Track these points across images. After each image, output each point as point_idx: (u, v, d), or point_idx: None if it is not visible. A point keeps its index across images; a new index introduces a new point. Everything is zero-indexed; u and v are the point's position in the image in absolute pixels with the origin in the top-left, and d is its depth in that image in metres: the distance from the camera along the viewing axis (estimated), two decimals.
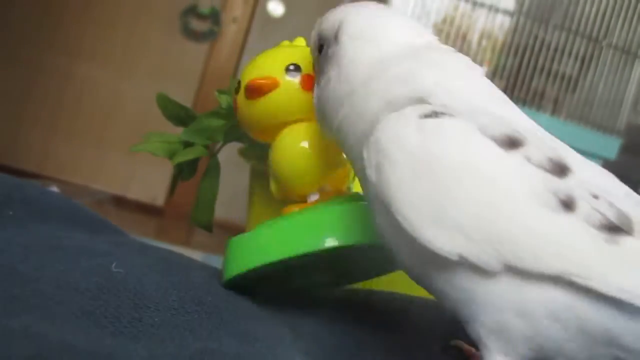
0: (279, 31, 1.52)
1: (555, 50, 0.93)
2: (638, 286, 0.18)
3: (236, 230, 0.49)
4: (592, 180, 0.20)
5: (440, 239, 0.19)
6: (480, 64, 0.96)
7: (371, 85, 0.23)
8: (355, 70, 0.24)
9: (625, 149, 0.96)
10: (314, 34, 0.27)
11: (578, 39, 0.93)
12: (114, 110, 1.61)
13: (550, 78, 0.94)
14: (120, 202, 1.59)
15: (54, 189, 1.43)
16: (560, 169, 0.20)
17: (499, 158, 0.20)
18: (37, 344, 0.18)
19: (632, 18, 0.93)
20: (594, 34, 0.93)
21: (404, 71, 0.23)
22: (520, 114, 0.24)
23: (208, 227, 0.34)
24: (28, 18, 1.60)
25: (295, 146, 0.28)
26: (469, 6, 0.94)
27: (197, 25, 1.63)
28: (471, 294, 0.19)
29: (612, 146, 0.94)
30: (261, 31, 1.63)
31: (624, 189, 0.22)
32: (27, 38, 1.60)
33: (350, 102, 0.23)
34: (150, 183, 1.59)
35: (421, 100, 0.22)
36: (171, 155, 0.28)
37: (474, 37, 0.96)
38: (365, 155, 0.21)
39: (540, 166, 0.20)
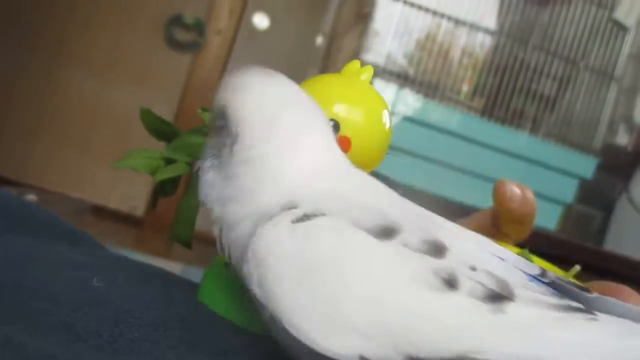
0: (264, 44, 1.53)
1: (534, 70, 0.94)
2: (530, 350, 0.18)
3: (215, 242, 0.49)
4: (467, 251, 0.20)
5: (337, 343, 0.18)
6: (462, 82, 0.98)
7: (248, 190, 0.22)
8: (236, 170, 0.22)
9: (601, 168, 0.98)
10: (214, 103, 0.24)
11: (556, 60, 0.95)
12: (96, 118, 1.61)
13: (529, 97, 0.95)
14: (99, 211, 1.57)
15: (32, 197, 1.41)
16: (436, 249, 0.20)
17: (376, 249, 0.19)
18: (18, 356, 0.18)
19: (607, 41, 0.96)
20: (572, 55, 0.95)
21: (272, 175, 0.22)
22: (390, 195, 0.23)
23: (188, 244, 0.34)
24: (11, 22, 1.59)
25: None
26: (451, 24, 0.96)
27: (182, 35, 1.63)
28: None
29: (588, 165, 0.96)
30: (246, 43, 1.64)
31: (496, 251, 0.21)
32: (10, 43, 1.58)
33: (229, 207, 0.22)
34: (130, 193, 1.58)
35: (292, 205, 0.21)
36: (153, 172, 0.28)
37: (456, 55, 0.97)
38: (245, 270, 0.20)
39: (418, 250, 0.19)
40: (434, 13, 0.94)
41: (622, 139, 1.06)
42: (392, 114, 0.32)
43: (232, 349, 0.24)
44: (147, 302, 0.25)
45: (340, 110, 0.28)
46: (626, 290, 0.34)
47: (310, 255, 0.19)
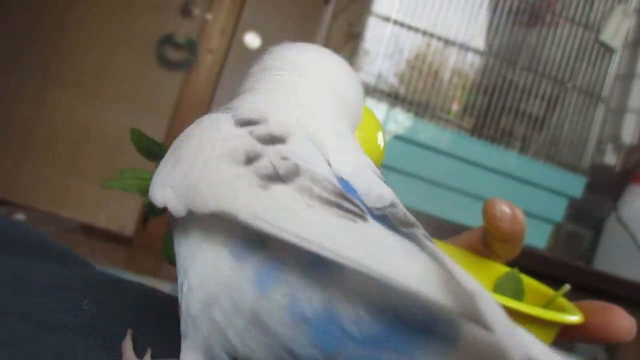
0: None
1: (523, 90, 0.95)
2: (270, 219, 0.18)
3: None
4: (306, 152, 0.22)
5: (159, 194, 0.21)
6: (452, 101, 0.99)
7: None
8: None
9: (590, 188, 0.99)
10: None
11: (544, 81, 0.96)
12: (86, 137, 1.60)
13: (518, 117, 0.96)
14: (89, 230, 1.56)
15: (20, 217, 1.40)
16: (273, 139, 0.22)
17: (221, 129, 0.22)
18: None
19: (595, 62, 0.97)
20: (559, 76, 0.97)
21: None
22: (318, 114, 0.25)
23: None
24: (2, 42, 1.59)
25: None
26: (441, 44, 0.97)
27: (173, 54, 1.64)
28: (177, 247, 0.21)
29: (577, 185, 0.97)
30: (237, 63, 1.65)
31: (356, 172, 0.22)
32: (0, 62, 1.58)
33: None
34: (120, 212, 1.57)
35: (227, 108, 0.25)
36: (143, 192, 0.28)
37: (446, 75, 0.98)
38: None
39: (259, 138, 0.21)
40: (424, 33, 0.95)
41: (610, 158, 1.07)
42: (383, 131, 0.32)
43: None
44: (137, 327, 0.25)
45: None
46: (616, 309, 0.35)
47: (184, 132, 0.23)
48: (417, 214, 0.93)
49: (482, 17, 0.97)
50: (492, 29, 0.96)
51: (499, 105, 0.95)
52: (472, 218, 0.48)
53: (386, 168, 0.87)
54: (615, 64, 0.98)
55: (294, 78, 0.26)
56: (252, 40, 1.65)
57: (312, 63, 0.27)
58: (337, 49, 1.10)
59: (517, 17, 0.96)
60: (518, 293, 0.39)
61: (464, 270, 0.17)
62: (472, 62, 0.98)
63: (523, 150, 0.97)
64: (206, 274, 0.19)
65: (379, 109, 0.93)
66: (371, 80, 0.97)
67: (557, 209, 0.96)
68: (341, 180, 0.22)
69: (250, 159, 0.20)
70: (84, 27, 1.62)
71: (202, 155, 0.21)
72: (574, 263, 1.03)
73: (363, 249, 0.17)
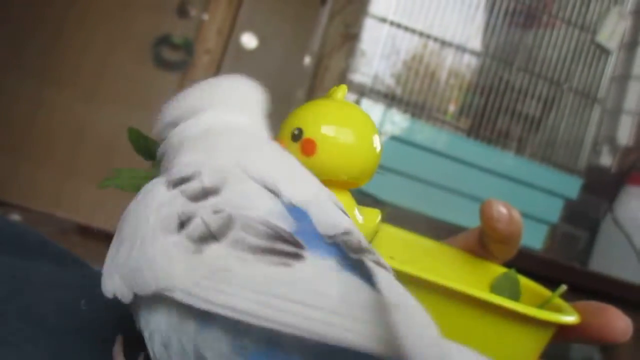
0: (252, 64, 1.54)
1: (519, 91, 0.96)
2: (205, 289, 0.18)
3: None
4: (247, 195, 0.21)
5: (108, 283, 0.20)
6: (448, 102, 0.99)
7: None
8: None
9: (586, 189, 0.99)
10: None
11: (540, 82, 0.96)
12: (82, 137, 1.60)
13: (515, 118, 0.96)
14: (85, 230, 1.56)
15: (16, 217, 1.39)
16: (205, 194, 0.20)
17: (155, 197, 0.21)
18: None
19: (590, 64, 0.97)
20: (556, 77, 0.97)
21: None
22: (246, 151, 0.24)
23: None
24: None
25: None
26: (437, 45, 0.97)
27: (170, 55, 1.64)
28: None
29: (573, 186, 0.97)
30: (234, 63, 1.65)
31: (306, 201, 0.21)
32: None
33: None
34: (117, 213, 1.57)
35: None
36: None
37: (443, 76, 0.99)
38: None
39: (189, 195, 0.20)
40: (421, 34, 0.95)
41: (606, 160, 1.07)
42: (379, 133, 0.32)
43: None
44: (133, 324, 0.25)
45: (306, 118, 0.30)
46: (612, 309, 0.35)
47: (127, 209, 0.22)
48: (414, 215, 0.93)
49: (479, 19, 0.97)
50: (489, 30, 0.97)
51: (496, 106, 0.95)
52: (469, 219, 0.48)
53: (383, 169, 0.87)
54: (611, 66, 0.98)
55: (221, 116, 0.25)
56: (248, 40, 1.65)
57: (230, 94, 0.27)
58: (333, 50, 1.10)
59: (514, 18, 0.97)
60: (515, 293, 0.39)
61: (411, 302, 0.17)
62: (468, 63, 0.99)
63: (519, 151, 0.97)
64: (160, 322, 0.19)
65: (376, 109, 0.93)
66: (368, 81, 0.97)
67: (553, 210, 0.97)
68: (292, 208, 0.21)
69: (182, 223, 0.20)
70: (81, 28, 1.62)
71: (140, 230, 0.20)
72: (570, 264, 1.03)
73: (289, 308, 0.17)
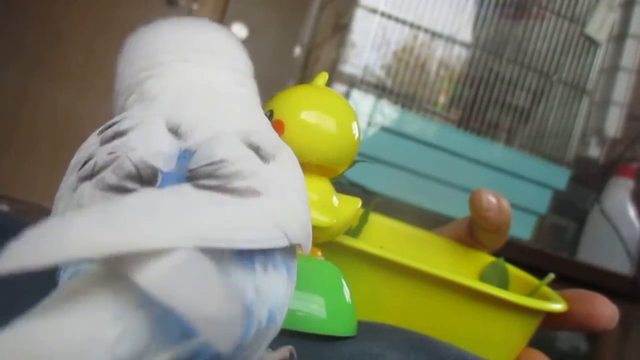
0: None
1: (509, 83, 0.96)
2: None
3: None
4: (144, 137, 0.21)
5: None
6: (438, 94, 0.99)
7: None
8: None
9: (574, 180, 1.00)
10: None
11: (530, 73, 0.97)
12: (69, 128, 1.59)
13: (504, 110, 0.97)
14: None
15: (4, 207, 1.38)
16: (113, 137, 0.21)
17: (86, 142, 0.23)
18: None
19: (580, 56, 0.98)
20: (545, 69, 0.97)
21: None
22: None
23: None
24: None
25: None
26: (428, 37, 0.97)
27: None
28: None
29: (562, 177, 0.98)
30: None
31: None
32: None
33: None
34: None
35: None
36: None
37: (433, 67, 0.99)
38: None
39: (102, 139, 0.22)
40: (411, 25, 0.95)
41: (594, 151, 1.08)
42: (369, 124, 0.32)
43: None
44: None
45: (279, 101, 0.30)
46: (599, 297, 0.35)
47: None
48: (404, 205, 0.93)
49: (469, 10, 0.97)
50: (479, 21, 0.97)
51: (485, 98, 0.96)
52: (458, 209, 0.49)
53: (373, 159, 0.87)
54: (599, 58, 0.99)
55: (175, 62, 0.26)
56: (238, 30, 1.64)
57: (185, 41, 0.27)
58: (323, 40, 1.10)
59: (504, 9, 0.97)
60: (503, 282, 0.40)
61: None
62: (458, 55, 0.99)
63: (508, 142, 0.98)
64: None
65: (366, 100, 0.93)
66: (358, 72, 0.97)
67: (542, 201, 0.97)
68: (182, 152, 0.21)
69: (81, 165, 0.21)
70: (68, 18, 1.60)
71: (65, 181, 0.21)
72: (558, 254, 1.04)
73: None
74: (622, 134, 1.06)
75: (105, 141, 0.21)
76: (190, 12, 1.62)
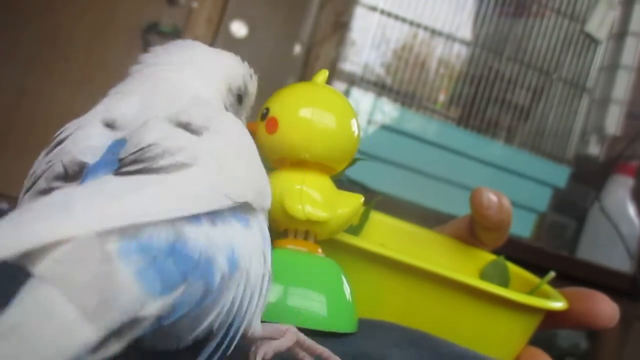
0: (242, 52, 1.53)
1: (509, 81, 0.96)
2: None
3: None
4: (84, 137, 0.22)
5: None
6: (438, 91, 0.99)
7: None
8: None
9: (574, 178, 1.00)
10: (240, 78, 0.30)
11: (530, 71, 0.97)
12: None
13: (504, 107, 0.97)
14: None
15: (3, 205, 1.38)
16: (55, 146, 0.22)
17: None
18: None
19: (579, 54, 0.98)
20: (545, 67, 0.97)
21: None
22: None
23: None
24: None
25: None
26: (427, 35, 0.97)
27: (159, 43, 1.62)
28: None
29: (562, 175, 0.98)
30: None
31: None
32: None
33: None
34: None
35: None
36: None
37: (432, 65, 0.99)
38: None
39: (47, 150, 0.23)
40: (411, 23, 0.95)
41: (594, 149, 1.08)
42: (369, 122, 0.32)
43: None
44: None
45: (275, 98, 0.30)
46: (598, 295, 0.35)
47: None
48: (404, 203, 0.93)
49: (469, 8, 0.97)
50: (479, 19, 0.97)
51: (485, 96, 0.96)
52: (459, 207, 0.49)
53: (373, 157, 0.87)
54: (599, 55, 0.99)
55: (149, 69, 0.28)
56: (238, 29, 1.64)
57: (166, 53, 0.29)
58: (323, 38, 1.09)
59: (504, 7, 0.97)
60: (504, 280, 0.40)
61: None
62: (458, 53, 0.99)
63: (508, 140, 0.98)
64: None
65: (366, 99, 0.93)
66: (358, 70, 0.96)
67: (542, 199, 0.97)
68: (116, 141, 0.22)
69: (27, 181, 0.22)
70: (68, 15, 1.60)
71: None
72: (558, 252, 1.04)
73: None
74: (622, 132, 1.06)
75: (47, 152, 0.22)
76: (190, 11, 1.62)
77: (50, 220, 0.16)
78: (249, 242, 0.21)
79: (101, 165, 0.20)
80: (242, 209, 0.22)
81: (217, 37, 1.65)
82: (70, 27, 1.59)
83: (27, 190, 0.21)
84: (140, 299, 0.16)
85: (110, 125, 0.23)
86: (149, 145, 0.20)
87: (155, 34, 1.61)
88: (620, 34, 1.04)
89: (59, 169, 0.20)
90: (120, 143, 0.21)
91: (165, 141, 0.21)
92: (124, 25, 1.61)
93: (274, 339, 0.23)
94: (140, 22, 1.61)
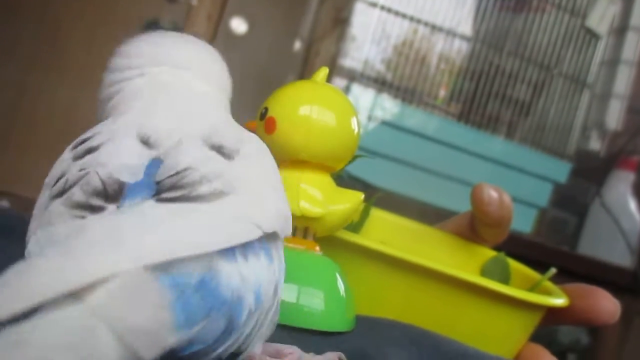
0: (242, 48, 1.53)
1: (509, 76, 0.96)
2: (36, 241, 0.20)
3: None
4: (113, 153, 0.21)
5: None
6: (439, 87, 0.99)
7: None
8: None
9: (575, 173, 0.99)
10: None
11: (530, 67, 0.97)
12: (69, 123, 1.58)
13: (505, 103, 0.97)
14: None
15: (4, 203, 1.38)
16: (85, 153, 0.22)
17: (61, 157, 0.24)
18: None
19: (580, 49, 0.97)
20: (546, 62, 0.97)
21: None
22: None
23: None
24: None
25: None
26: (428, 30, 0.97)
27: None
28: None
29: (562, 170, 0.97)
30: (223, 48, 1.63)
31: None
32: None
33: None
34: None
35: None
36: None
37: (433, 61, 0.98)
38: None
39: (74, 156, 0.22)
40: (411, 19, 0.95)
41: (595, 144, 1.08)
42: (370, 118, 0.32)
43: None
44: None
45: (273, 98, 0.30)
46: (600, 291, 0.35)
47: None
48: (405, 200, 0.93)
49: (469, 3, 0.97)
50: (479, 14, 0.96)
51: (486, 91, 0.95)
52: (459, 203, 0.49)
53: (373, 154, 0.87)
54: (600, 50, 0.98)
55: (147, 74, 0.26)
56: (238, 25, 1.64)
57: (157, 54, 0.28)
58: (323, 34, 1.09)
59: (504, 2, 0.96)
60: (505, 277, 0.40)
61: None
62: (459, 48, 0.98)
63: (509, 136, 0.97)
64: None
65: (366, 95, 0.93)
66: (358, 66, 0.96)
67: (542, 194, 0.97)
68: (152, 161, 0.21)
69: (54, 183, 0.21)
70: (67, 12, 1.59)
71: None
72: (559, 247, 1.04)
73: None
74: (623, 127, 1.06)
75: (77, 157, 0.22)
76: (189, 8, 1.61)
77: (105, 253, 0.16)
78: (270, 273, 0.21)
79: (141, 187, 0.20)
80: (269, 238, 0.21)
81: (217, 34, 1.65)
82: (70, 24, 1.59)
83: (58, 196, 0.20)
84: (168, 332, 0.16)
85: (145, 142, 0.22)
86: (186, 169, 0.20)
87: (154, 30, 1.61)
88: (621, 29, 1.04)
89: (95, 182, 0.20)
90: (155, 163, 0.21)
91: (202, 166, 0.20)
92: (123, 22, 1.60)
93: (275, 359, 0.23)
94: (140, 19, 1.61)
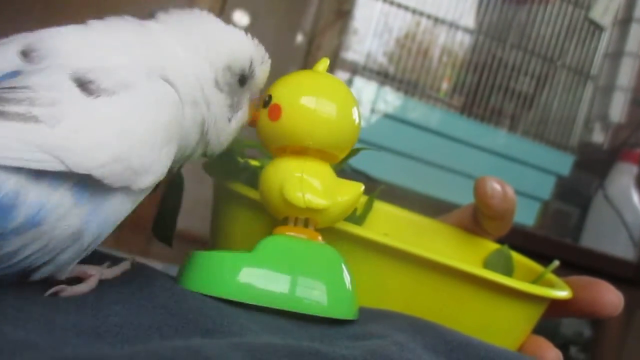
0: None
1: (512, 68, 0.95)
2: None
3: (195, 240, 0.48)
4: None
5: None
6: (441, 80, 0.99)
7: None
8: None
9: (578, 166, 0.99)
10: (247, 59, 0.30)
11: (534, 59, 0.96)
12: None
13: (508, 95, 0.96)
14: None
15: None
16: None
17: None
18: None
19: (584, 41, 0.97)
20: (549, 54, 0.97)
21: None
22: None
23: (168, 242, 0.34)
24: None
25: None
26: (430, 23, 0.96)
27: None
28: None
29: (565, 163, 0.97)
30: None
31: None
32: None
33: None
34: None
35: None
36: None
37: (435, 53, 0.98)
38: None
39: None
40: (414, 11, 0.95)
41: (598, 137, 1.07)
42: (372, 111, 0.32)
43: (219, 327, 0.24)
44: (128, 290, 0.25)
45: (277, 86, 0.31)
46: (603, 284, 0.35)
47: None
48: (408, 193, 0.92)
49: None
50: (482, 7, 0.96)
51: (489, 84, 0.95)
52: (462, 196, 0.48)
53: (376, 147, 0.87)
54: (604, 42, 0.98)
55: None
56: (240, 18, 1.63)
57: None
58: (326, 27, 1.09)
59: None
60: (508, 269, 0.40)
61: None
62: (461, 41, 0.98)
63: (512, 128, 0.97)
64: None
65: (369, 87, 0.93)
66: (360, 59, 0.96)
67: (546, 187, 0.97)
68: (13, 72, 0.23)
69: None
70: (69, 6, 1.59)
71: None
72: (562, 240, 1.04)
73: None
74: (627, 120, 1.06)
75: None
76: (192, 1, 1.61)
77: None
78: (68, 215, 0.22)
79: None
80: (83, 180, 0.22)
81: None
82: (71, 19, 1.58)
83: None
84: None
85: (26, 54, 0.23)
86: (24, 87, 0.21)
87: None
88: (625, 21, 1.04)
89: None
90: (13, 74, 0.22)
91: (41, 89, 0.21)
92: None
93: (81, 278, 0.25)
94: (141, 13, 1.61)
